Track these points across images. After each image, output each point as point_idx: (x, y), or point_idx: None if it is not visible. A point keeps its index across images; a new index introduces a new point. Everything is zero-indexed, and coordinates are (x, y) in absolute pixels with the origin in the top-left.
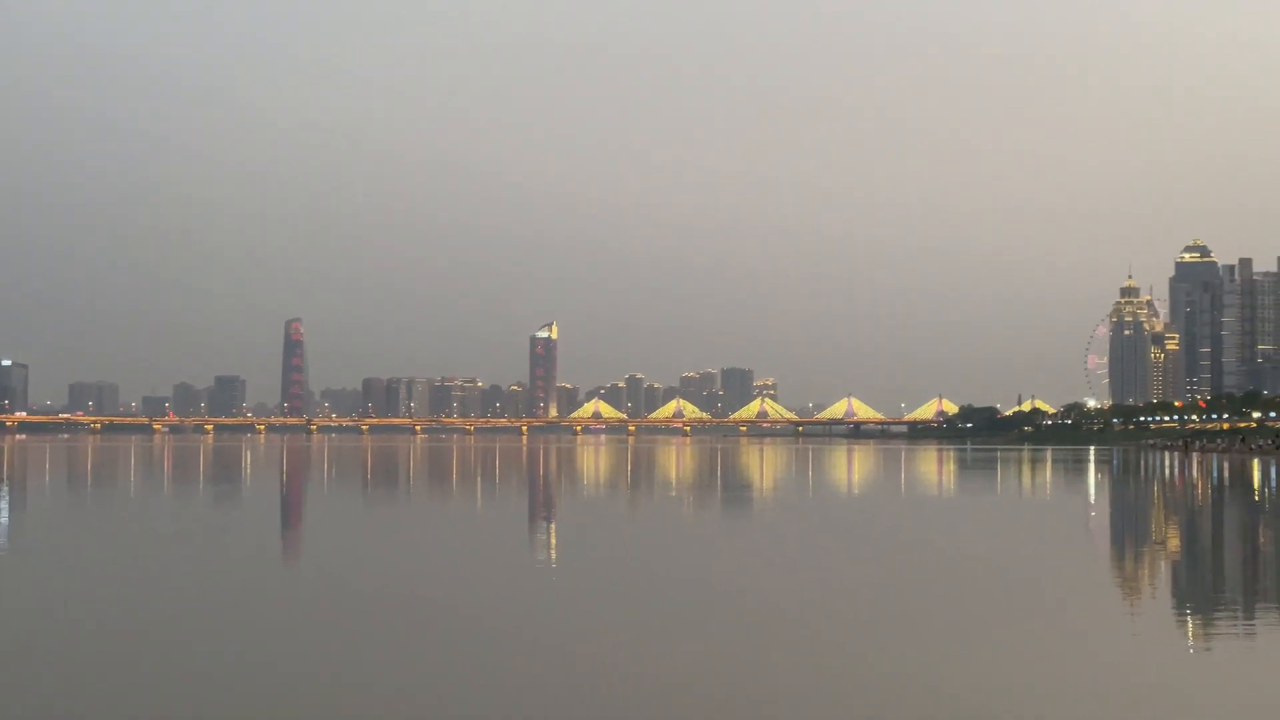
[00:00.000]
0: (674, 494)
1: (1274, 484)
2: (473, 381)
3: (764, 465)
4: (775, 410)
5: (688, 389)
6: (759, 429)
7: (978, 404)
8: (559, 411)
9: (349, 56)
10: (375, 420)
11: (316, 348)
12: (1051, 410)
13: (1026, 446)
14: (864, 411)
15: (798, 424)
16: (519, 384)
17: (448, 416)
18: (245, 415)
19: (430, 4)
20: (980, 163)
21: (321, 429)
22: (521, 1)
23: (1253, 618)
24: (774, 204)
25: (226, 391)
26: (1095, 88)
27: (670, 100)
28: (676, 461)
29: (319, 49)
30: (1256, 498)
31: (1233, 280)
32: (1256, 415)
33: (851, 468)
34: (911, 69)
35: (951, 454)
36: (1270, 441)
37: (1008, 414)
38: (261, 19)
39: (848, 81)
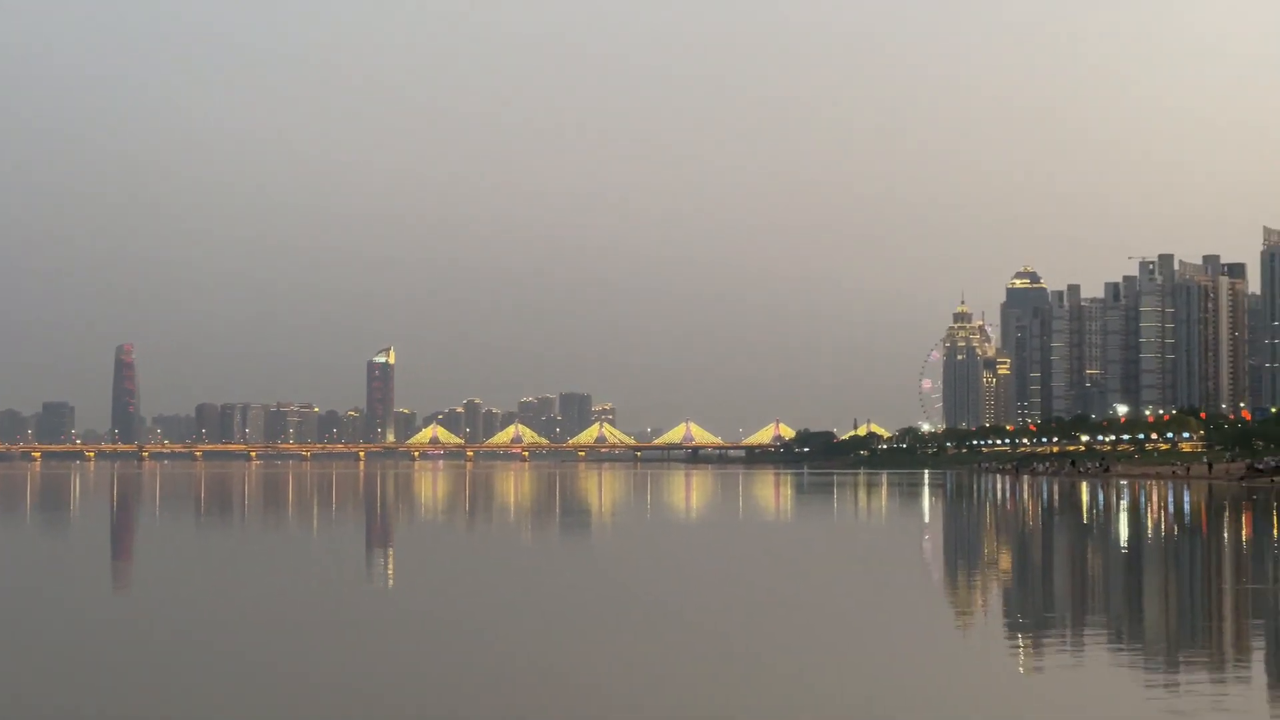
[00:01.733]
0: (510, 520)
1: (1100, 506)
2: (309, 407)
3: (601, 491)
4: (613, 435)
5: (526, 414)
6: (597, 454)
7: (814, 428)
8: (397, 437)
9: (158, 83)
10: (209, 446)
11: (149, 373)
12: (887, 434)
13: (862, 470)
14: (702, 436)
15: (636, 449)
16: (356, 409)
17: (284, 442)
18: (74, 442)
19: (258, 37)
20: (815, 188)
21: (154, 455)
22: (341, 28)
23: (1080, 637)
24: (611, 227)
25: (54, 418)
26: (923, 117)
27: (499, 121)
28: (514, 487)
29: (160, 74)
30: (1085, 520)
31: (1062, 306)
32: (1085, 438)
33: (689, 493)
34: (724, 102)
35: (789, 478)
36: (1097, 464)
37: (844, 438)
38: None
39: (674, 103)
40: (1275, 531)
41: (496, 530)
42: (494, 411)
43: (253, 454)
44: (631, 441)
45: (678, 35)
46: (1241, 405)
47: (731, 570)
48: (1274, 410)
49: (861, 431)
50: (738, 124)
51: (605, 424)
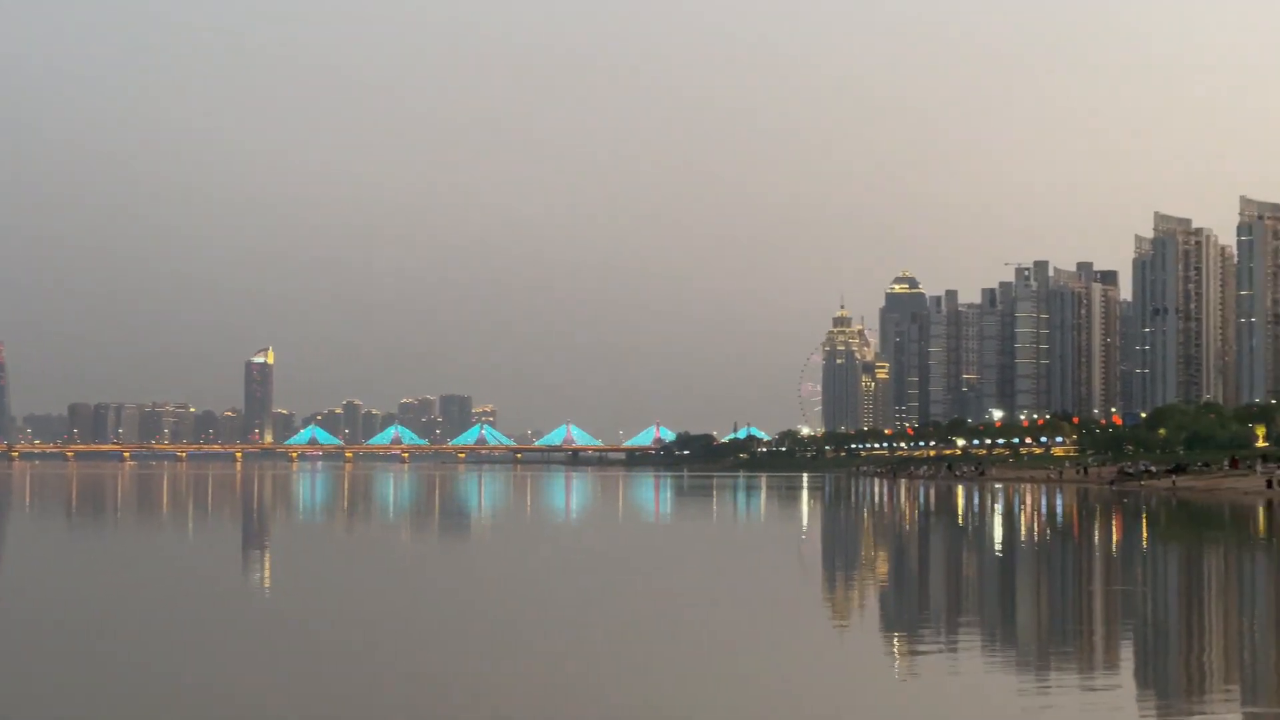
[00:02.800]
0: (386, 522)
1: (976, 509)
2: (185, 407)
3: (481, 493)
4: (494, 438)
5: (406, 416)
6: (478, 456)
7: (695, 431)
8: (275, 438)
9: (47, 76)
10: (82, 447)
11: (19, 371)
12: (767, 437)
13: (742, 473)
14: (583, 439)
15: (516, 451)
16: (233, 409)
17: (159, 443)
18: None
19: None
20: (697, 191)
21: (24, 455)
22: (227, 15)
23: (955, 639)
24: (492, 228)
25: None
26: (805, 122)
27: (374, 117)
28: (394, 489)
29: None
30: (960, 523)
31: (939, 311)
32: (961, 442)
33: (569, 495)
34: (604, 98)
35: (668, 481)
36: (973, 468)
37: (724, 441)
38: None
39: (542, 103)
40: (1144, 534)
41: (372, 532)
42: (374, 413)
43: (126, 454)
44: (512, 444)
45: (564, 34)
46: (1113, 410)
47: (607, 574)
48: (1144, 415)
49: (742, 434)
50: (619, 126)
51: (486, 426)
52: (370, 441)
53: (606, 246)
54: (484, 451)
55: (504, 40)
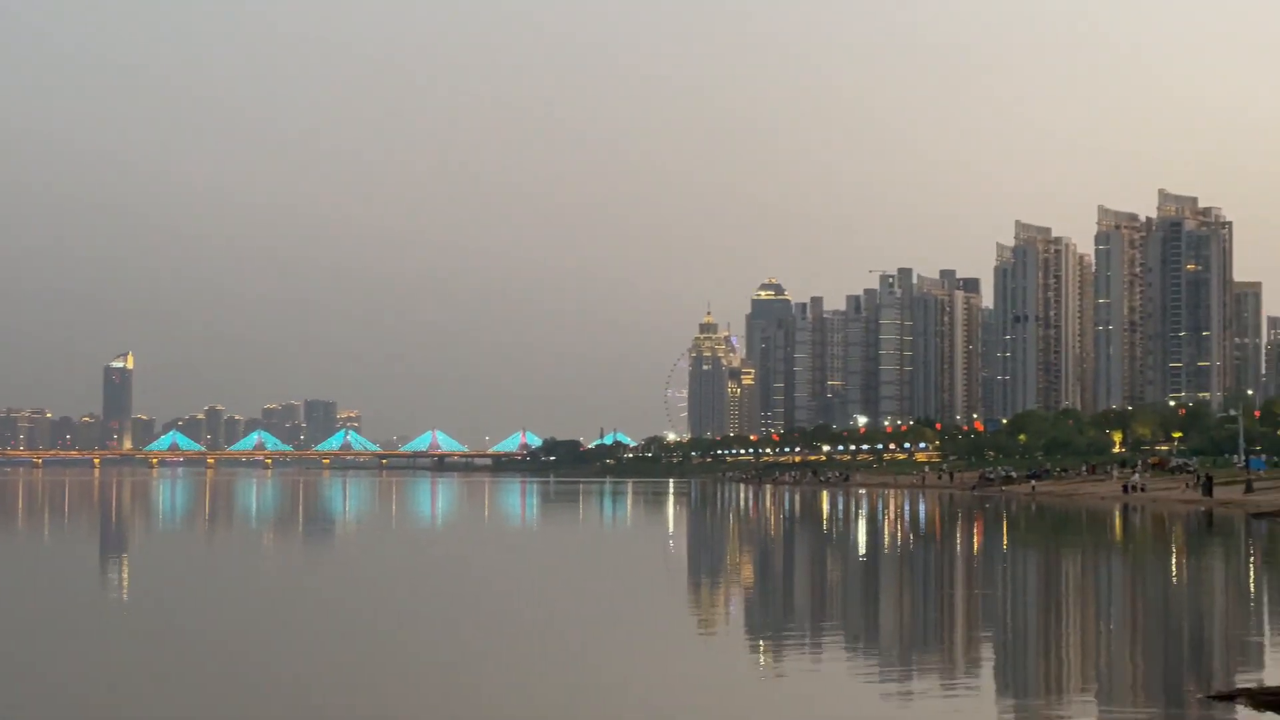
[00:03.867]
0: (246, 529)
1: (840, 514)
2: (41, 412)
3: (345, 499)
4: (359, 443)
5: (270, 421)
6: (342, 462)
7: (561, 437)
8: (134, 444)
9: None
10: None
11: None
12: (633, 443)
13: (608, 479)
14: (449, 444)
15: (381, 457)
16: (91, 415)
17: (14, 448)
18: None
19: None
20: (564, 197)
21: None
22: (79, 20)
23: (819, 642)
24: (356, 233)
25: None
26: (674, 130)
27: (227, 120)
28: (256, 496)
29: None
30: (825, 528)
31: (805, 318)
32: (826, 448)
33: (434, 501)
34: (466, 102)
35: (535, 487)
36: (838, 474)
37: (590, 447)
38: None
39: (416, 110)
40: (1004, 539)
41: (232, 540)
42: (236, 418)
43: None
44: (377, 449)
45: (414, 41)
46: (975, 416)
47: (472, 580)
48: (1005, 421)
49: (608, 440)
50: (483, 131)
51: (351, 431)
52: (233, 447)
53: (473, 252)
54: (349, 457)
55: (354, 48)
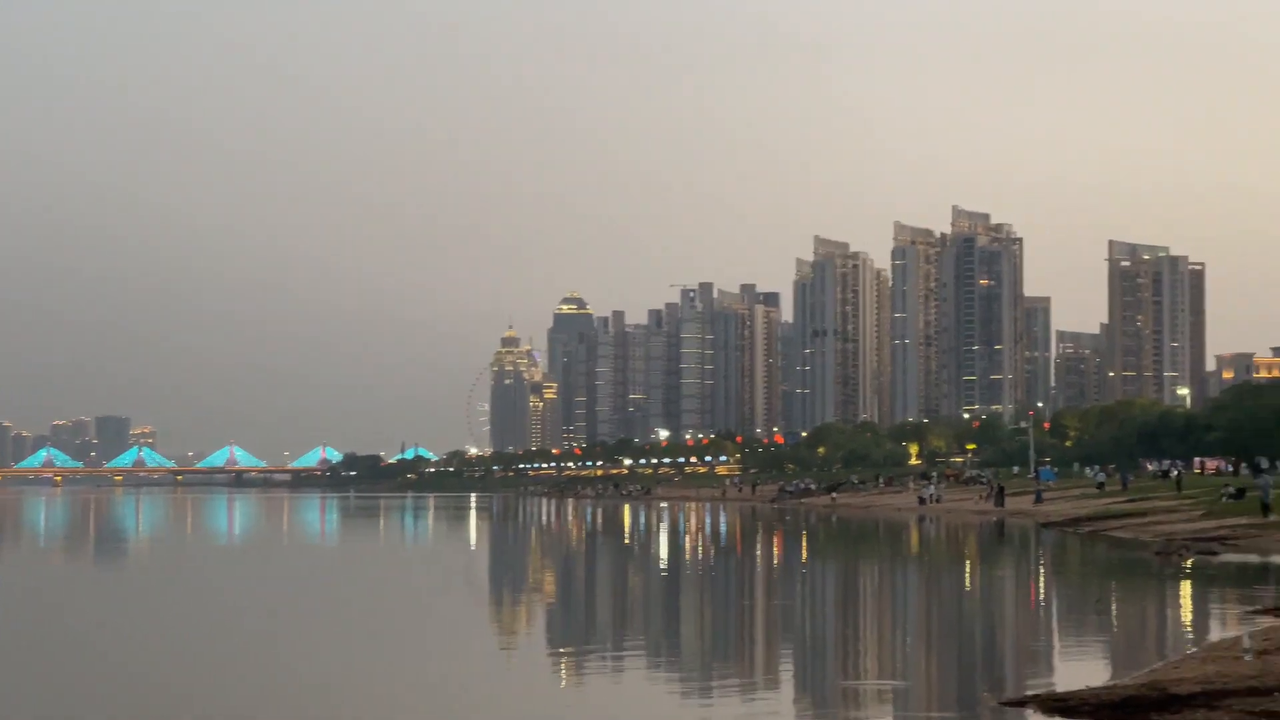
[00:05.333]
0: (30, 549)
1: (642, 528)
2: None
3: (138, 516)
4: (154, 459)
5: (59, 437)
6: (136, 479)
7: (362, 452)
8: None
9: None
10: None
11: None
12: (435, 458)
13: (410, 494)
14: (247, 460)
15: (177, 473)
16: None
17: None
18: None
19: None
20: (362, 208)
21: None
22: None
23: (620, 656)
24: (153, 240)
25: None
26: (459, 144)
27: (26, 118)
28: (44, 514)
29: None
30: (626, 541)
31: (607, 332)
32: (628, 462)
33: (231, 517)
34: (275, 112)
35: (335, 502)
36: (639, 487)
37: (392, 462)
38: None
39: (210, 114)
40: (803, 551)
41: (17, 558)
42: (24, 435)
43: None
44: (173, 465)
45: (230, 40)
46: (775, 429)
47: (268, 596)
48: (804, 434)
49: (409, 455)
50: (283, 142)
51: (145, 447)
52: (20, 465)
53: (270, 264)
54: (143, 474)
55: (161, 41)
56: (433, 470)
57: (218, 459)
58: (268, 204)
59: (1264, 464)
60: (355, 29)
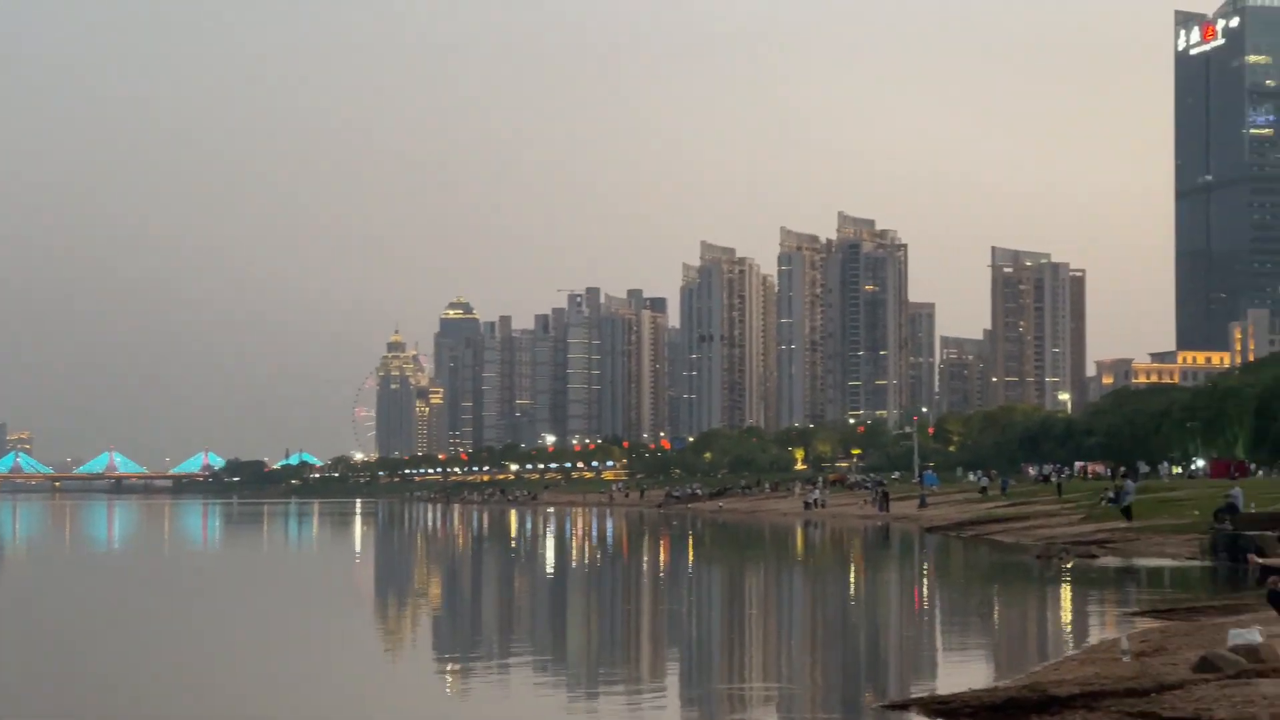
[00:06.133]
0: None
1: (529, 533)
2: None
3: (14, 524)
4: (31, 465)
5: None
6: (13, 485)
7: (245, 458)
8: None
9: None
10: None
11: None
12: (319, 463)
13: (294, 500)
14: (127, 466)
15: (55, 479)
16: None
17: None
18: None
19: None
20: (245, 217)
21: None
22: None
23: (507, 662)
24: (21, 242)
25: None
26: (332, 147)
27: None
28: None
29: None
30: (512, 547)
31: (494, 337)
32: (515, 467)
33: (110, 524)
34: (149, 123)
35: (218, 509)
36: (526, 492)
37: (276, 468)
38: None
39: (103, 123)
40: (689, 556)
41: None
42: None
43: None
44: (50, 472)
45: (115, 23)
46: (662, 434)
47: (147, 603)
48: (691, 440)
49: (294, 461)
50: (156, 137)
51: (21, 454)
52: None
53: (151, 266)
54: (19, 480)
55: (73, 36)
56: (317, 476)
57: (97, 465)
58: (148, 205)
59: (1125, 470)
60: (238, 27)
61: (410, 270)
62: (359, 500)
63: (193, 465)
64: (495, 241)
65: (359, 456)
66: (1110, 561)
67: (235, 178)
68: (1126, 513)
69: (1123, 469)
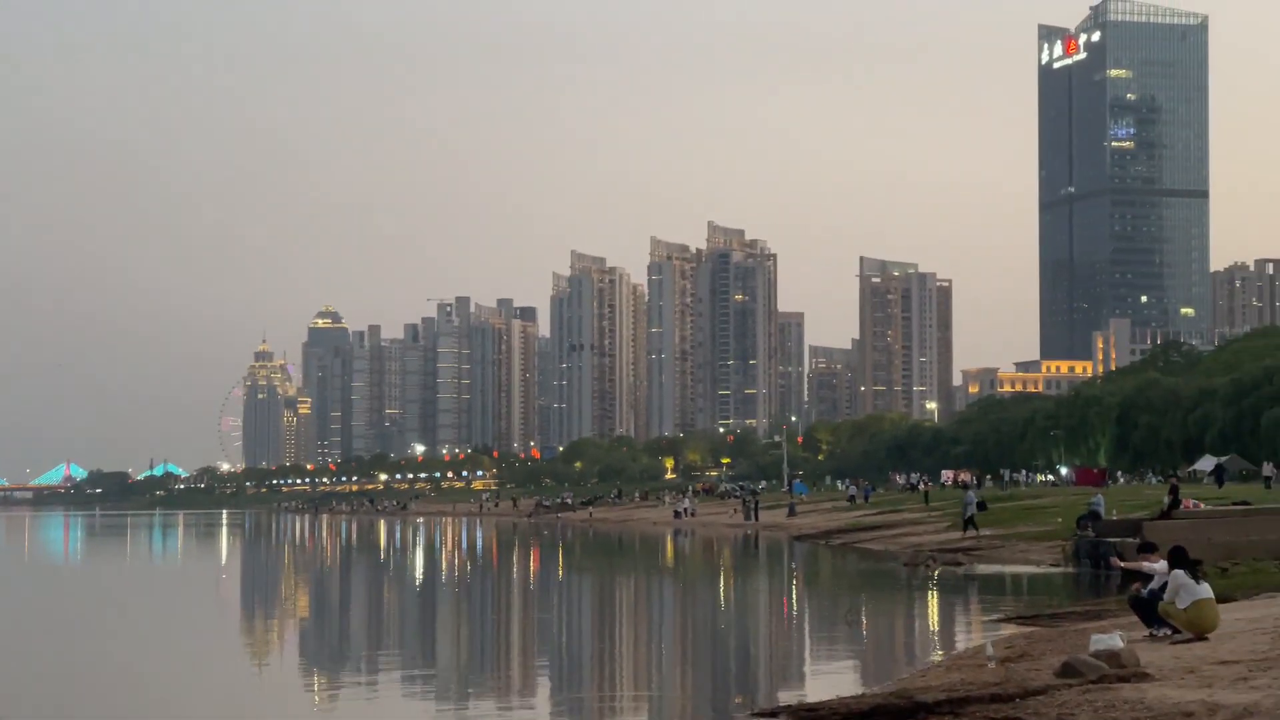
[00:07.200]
0: None
1: (398, 543)
2: None
3: None
4: None
5: None
6: None
7: (109, 468)
8: None
9: None
10: None
11: None
12: (185, 474)
13: (159, 511)
14: None
15: None
16: None
17: None
18: None
19: None
20: (111, 225)
21: None
22: None
23: (375, 672)
24: None
25: None
26: (221, 153)
27: None
28: None
29: None
30: (382, 557)
31: (363, 346)
32: (384, 477)
33: None
34: (25, 121)
35: (80, 520)
36: (395, 503)
37: (140, 478)
38: None
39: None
40: (560, 565)
41: None
42: None
43: None
44: None
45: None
46: (532, 444)
47: (15, 620)
48: (561, 449)
49: (159, 471)
50: (11, 144)
51: None
52: None
53: (8, 273)
54: None
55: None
56: (183, 487)
57: None
58: (4, 206)
59: (964, 482)
60: (85, 29)
61: (278, 279)
62: (225, 511)
63: (54, 476)
64: (364, 250)
65: (225, 467)
66: (976, 569)
67: (95, 182)
68: (968, 524)
69: (962, 480)
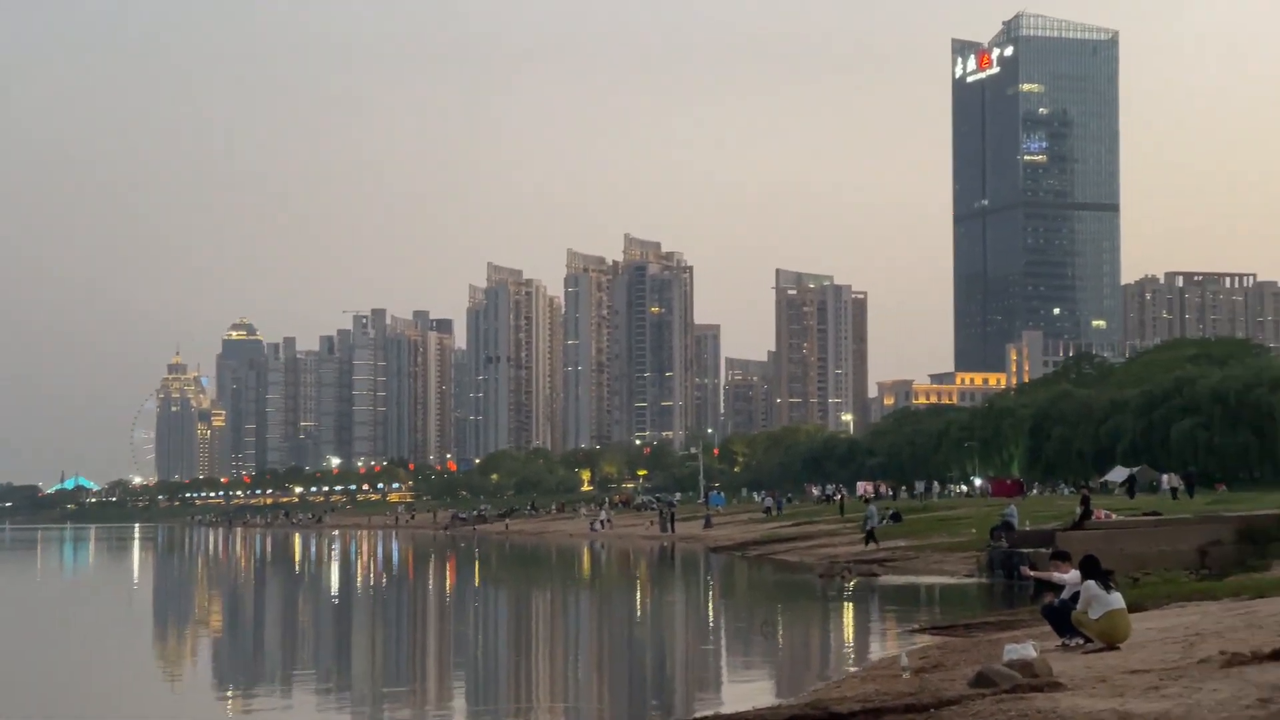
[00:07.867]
0: None
1: (313, 557)
2: None
3: None
4: None
5: None
6: None
7: (17, 482)
8: None
9: None
10: None
11: None
12: (96, 487)
13: (69, 526)
14: None
15: None
16: None
17: None
18: None
19: None
20: (25, 231)
21: None
22: None
23: (290, 686)
24: None
25: None
26: (142, 169)
27: None
28: None
29: None
30: (297, 571)
31: (278, 359)
32: (299, 490)
33: None
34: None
35: None
36: (310, 515)
37: (50, 492)
38: None
39: None
40: (476, 577)
41: None
42: None
43: None
44: None
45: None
46: (448, 456)
47: None
48: (478, 461)
49: (69, 485)
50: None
51: None
52: None
53: None
54: None
55: None
56: (94, 500)
57: None
58: None
59: (871, 494)
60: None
61: (191, 290)
62: (138, 525)
63: None
64: (278, 262)
65: (138, 480)
66: (891, 579)
67: (25, 194)
68: (869, 536)
69: (865, 495)
